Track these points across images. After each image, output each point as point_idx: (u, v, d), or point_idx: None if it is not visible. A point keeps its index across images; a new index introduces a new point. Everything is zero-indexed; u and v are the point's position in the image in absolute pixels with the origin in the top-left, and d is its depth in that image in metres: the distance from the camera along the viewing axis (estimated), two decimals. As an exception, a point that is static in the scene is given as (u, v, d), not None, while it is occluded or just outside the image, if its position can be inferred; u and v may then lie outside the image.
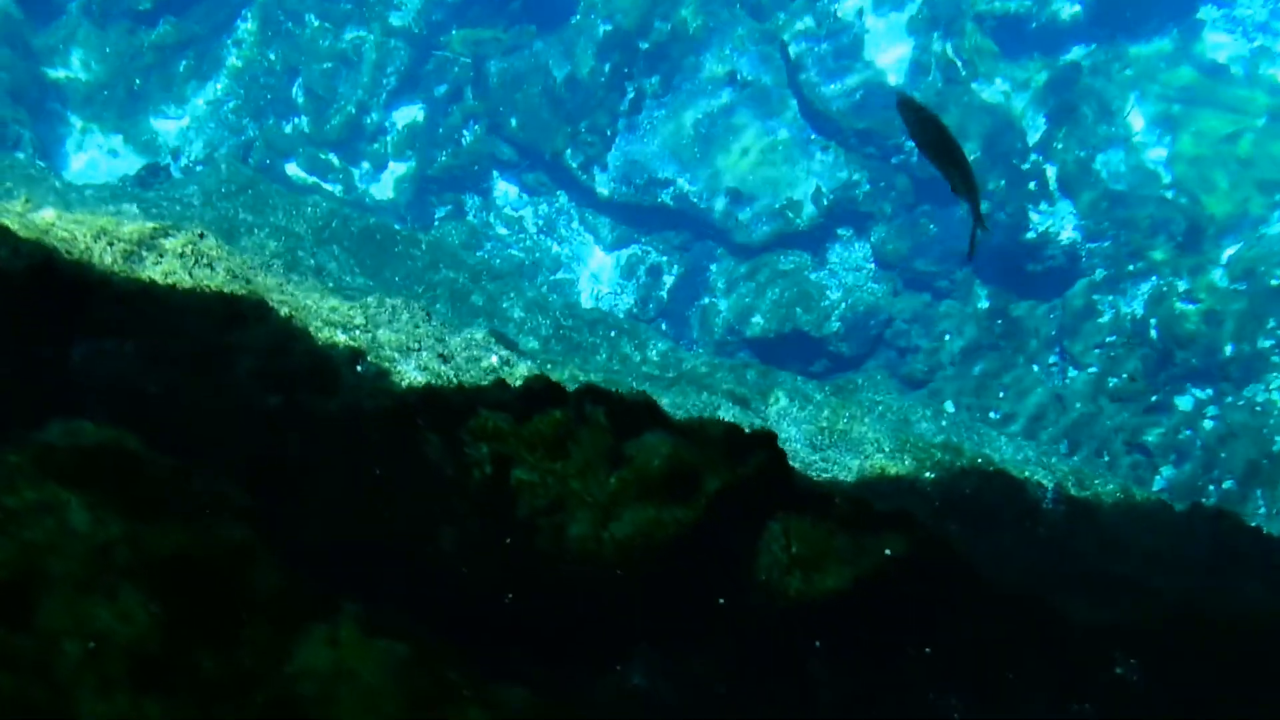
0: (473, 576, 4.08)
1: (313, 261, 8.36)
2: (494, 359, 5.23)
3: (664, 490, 4.26)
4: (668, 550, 4.32)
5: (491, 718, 3.34)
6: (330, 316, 5.05)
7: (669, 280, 14.25)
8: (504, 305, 10.15)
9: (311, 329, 4.61)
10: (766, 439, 4.41)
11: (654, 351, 10.55)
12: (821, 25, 13.40)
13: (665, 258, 14.30)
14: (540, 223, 14.23)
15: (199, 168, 11.33)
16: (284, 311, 4.90)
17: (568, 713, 3.92)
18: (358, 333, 5.15)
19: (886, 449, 8.23)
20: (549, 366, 6.53)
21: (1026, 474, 7.88)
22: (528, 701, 3.55)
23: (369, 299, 5.96)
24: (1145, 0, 14.57)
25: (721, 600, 4.51)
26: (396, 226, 10.63)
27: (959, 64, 13.30)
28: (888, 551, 4.69)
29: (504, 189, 14.25)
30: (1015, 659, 5.23)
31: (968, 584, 5.15)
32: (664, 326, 14.44)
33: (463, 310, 9.77)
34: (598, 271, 14.28)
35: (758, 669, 4.62)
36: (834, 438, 8.59)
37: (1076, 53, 14.66)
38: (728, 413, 8.56)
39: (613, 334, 10.43)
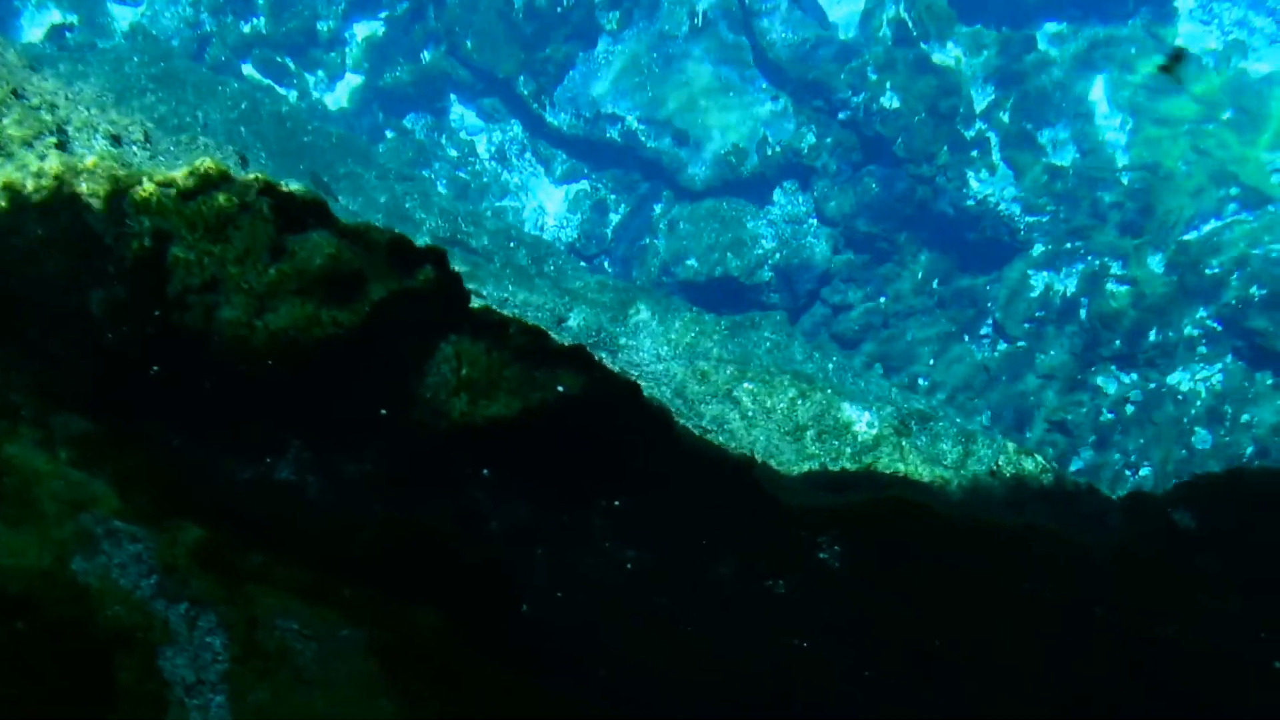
0: (118, 343, 4.26)
1: (198, 125, 8.59)
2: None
3: (324, 289, 4.42)
4: (325, 349, 4.48)
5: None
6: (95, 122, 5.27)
7: (614, 218, 14.39)
8: (406, 205, 10.35)
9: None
10: (436, 255, 4.56)
11: (550, 265, 10.72)
12: (778, -27, 13.48)
13: (613, 195, 14.44)
14: (493, 149, 14.41)
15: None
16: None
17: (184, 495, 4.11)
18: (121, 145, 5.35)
19: (722, 359, 8.35)
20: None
21: (857, 407, 7.97)
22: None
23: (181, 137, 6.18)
24: (1115, -17, 14.51)
25: (384, 411, 4.67)
26: (315, 123, 10.84)
27: (910, 23, 13.31)
28: (561, 388, 4.83)
29: (459, 112, 14.44)
30: (710, 525, 5.36)
31: (664, 440, 5.29)
32: (607, 264, 14.60)
33: (359, 199, 9.97)
34: (544, 203, 14.44)
35: (417, 483, 4.79)
36: (679, 349, 8.73)
37: (1047, 28, 14.62)
38: (580, 312, 8.71)
39: (511, 244, 10.61)
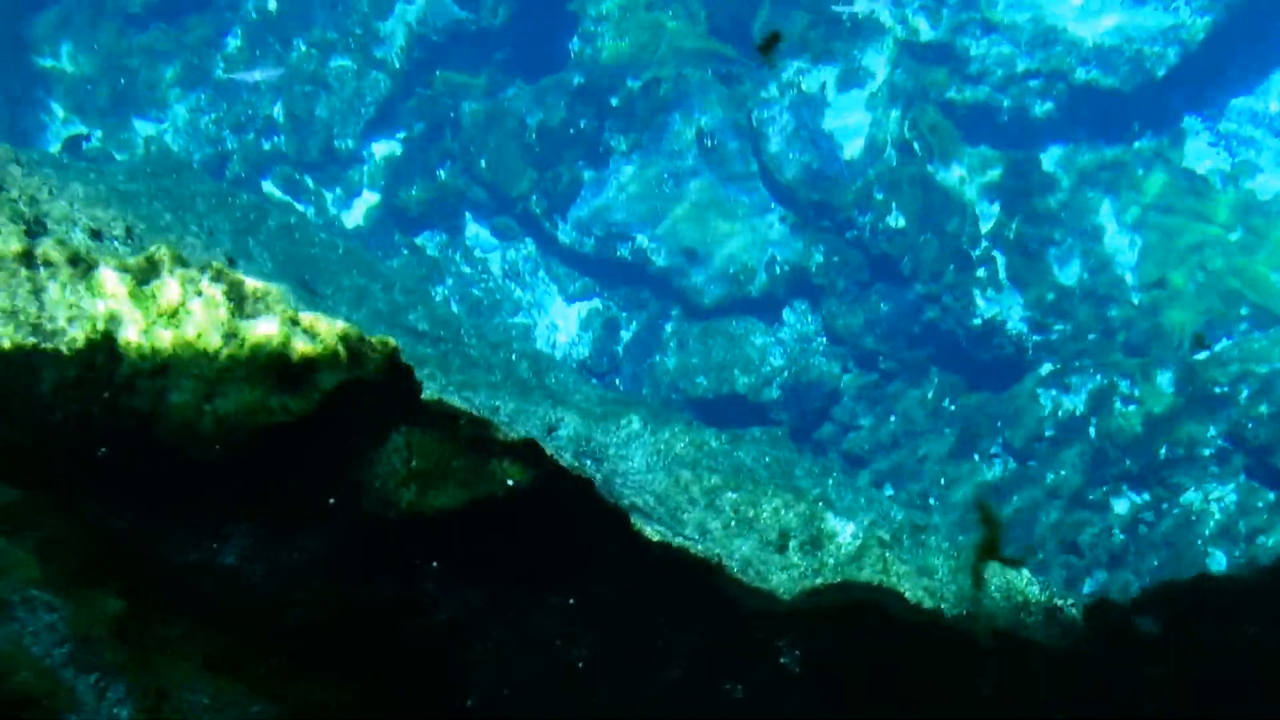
0: (67, 423, 4.36)
1: (204, 233, 8.82)
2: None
3: (275, 376, 4.52)
4: (274, 436, 4.56)
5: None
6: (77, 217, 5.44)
7: (625, 336, 14.53)
8: (410, 317, 10.52)
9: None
10: (383, 346, 4.65)
11: (551, 378, 10.82)
12: (784, 95, 13.77)
13: (625, 314, 14.60)
14: (506, 267, 14.66)
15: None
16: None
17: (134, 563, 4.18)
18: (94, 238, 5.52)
19: (712, 468, 8.37)
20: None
21: (842, 519, 7.95)
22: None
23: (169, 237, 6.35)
24: (1125, 106, 14.68)
25: (332, 500, 4.73)
26: (323, 235, 11.12)
27: (915, 144, 13.54)
28: (510, 481, 4.88)
29: (474, 230, 14.73)
30: (666, 626, 5.35)
31: (620, 538, 5.31)
32: (618, 382, 14.71)
33: (362, 310, 10.16)
34: (557, 321, 14.63)
35: (365, 572, 4.82)
36: (669, 460, 8.76)
37: (1053, 150, 14.82)
38: (572, 422, 8.78)
39: (513, 356, 10.73)
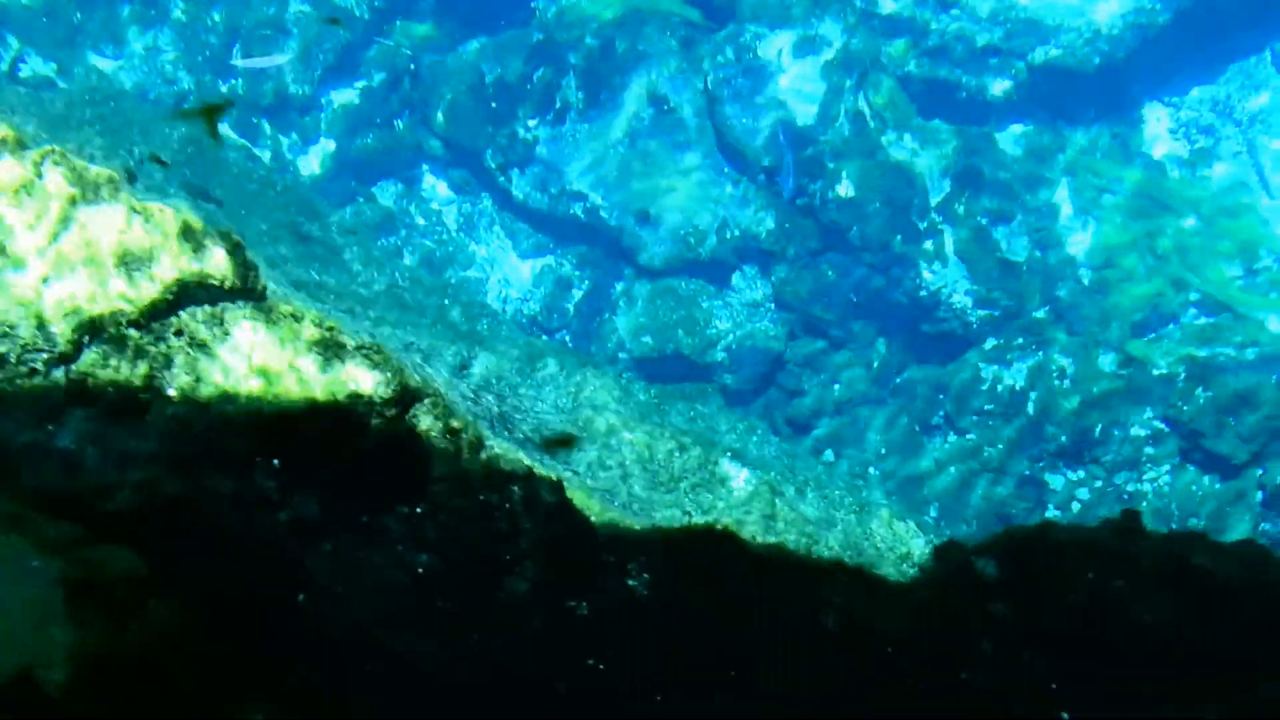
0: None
1: (132, 160, 8.89)
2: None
3: (113, 262, 4.60)
4: (111, 324, 4.65)
5: None
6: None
7: (576, 294, 14.60)
8: (345, 256, 10.61)
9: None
10: (227, 235, 4.73)
11: (483, 324, 10.91)
12: (740, 60, 13.81)
13: (577, 272, 14.67)
14: (461, 220, 14.72)
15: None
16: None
17: None
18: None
19: (619, 413, 8.46)
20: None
21: (737, 465, 8.06)
22: None
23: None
24: (1085, 87, 14.72)
25: (171, 390, 4.81)
26: (261, 172, 11.17)
27: (868, 114, 13.59)
28: (354, 385, 4.96)
29: (431, 183, 14.79)
30: (514, 541, 5.45)
31: (477, 456, 5.40)
32: (568, 340, 14.79)
33: (298, 249, 10.23)
34: (510, 276, 14.70)
35: (204, 465, 4.91)
36: (580, 402, 8.86)
37: (1011, 129, 14.86)
38: (487, 362, 8.87)
39: (446, 302, 10.81)
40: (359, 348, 4.95)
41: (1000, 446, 13.79)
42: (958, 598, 5.53)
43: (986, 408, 13.83)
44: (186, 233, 4.67)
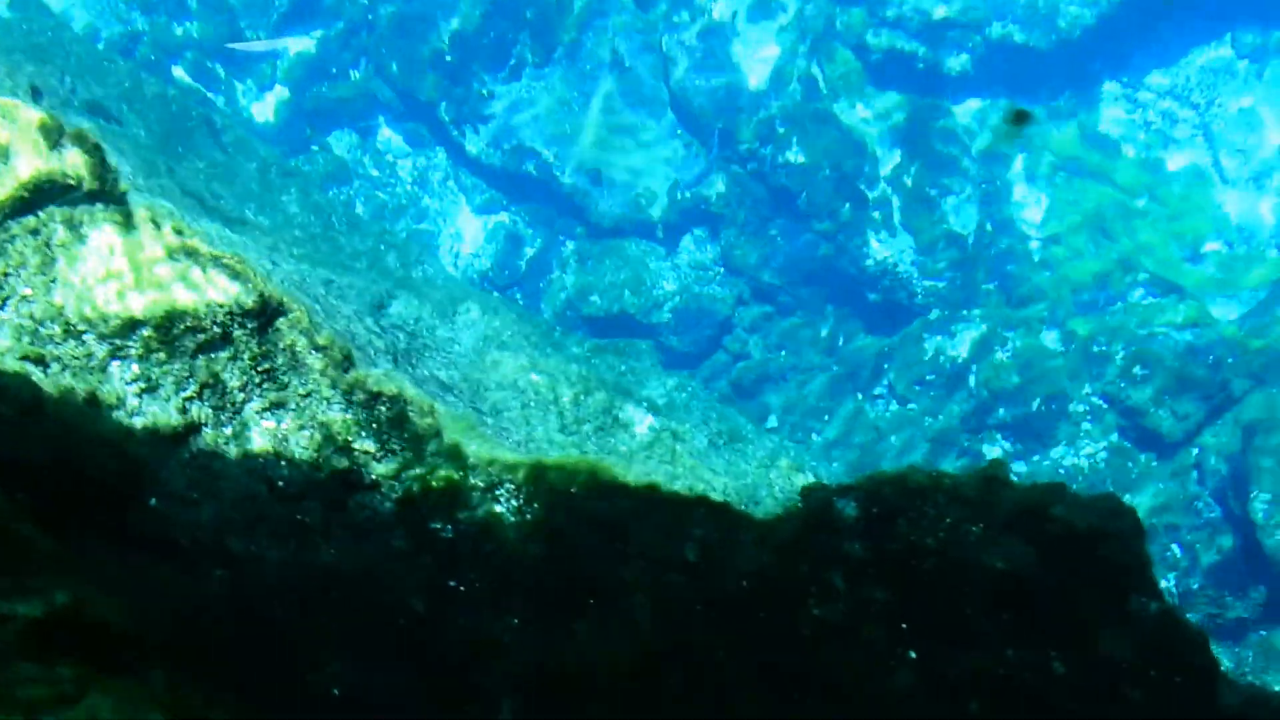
0: None
1: (61, 87, 8.89)
2: None
3: (-32, 165, 4.64)
4: (-33, 223, 4.69)
5: None
6: None
7: (528, 251, 14.64)
8: (281, 199, 10.64)
9: None
10: (84, 136, 4.77)
11: (418, 271, 10.96)
12: (695, 21, 13.83)
13: (530, 229, 14.71)
14: (415, 174, 14.74)
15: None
16: None
17: None
18: None
19: (526, 355, 8.52)
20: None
21: (641, 409, 8.12)
22: None
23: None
24: (1042, 64, 14.75)
25: (27, 290, 4.86)
26: (201, 111, 11.18)
27: (820, 80, 13.62)
28: (212, 294, 5.01)
29: (387, 135, 14.81)
30: (379, 462, 5.51)
31: (337, 367, 5.45)
32: (519, 297, 14.84)
33: (237, 189, 10.26)
34: (463, 231, 14.74)
35: (56, 366, 4.96)
36: (495, 345, 8.91)
37: (968, 103, 14.90)
38: (407, 302, 8.92)
39: (382, 247, 10.86)
40: (217, 257, 5.00)
41: (940, 417, 13.88)
42: (815, 536, 5.61)
43: (929, 378, 13.92)
44: (45, 131, 4.71)
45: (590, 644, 5.42)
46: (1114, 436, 13.61)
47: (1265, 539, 12.62)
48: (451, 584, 5.51)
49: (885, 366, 14.19)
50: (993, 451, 13.78)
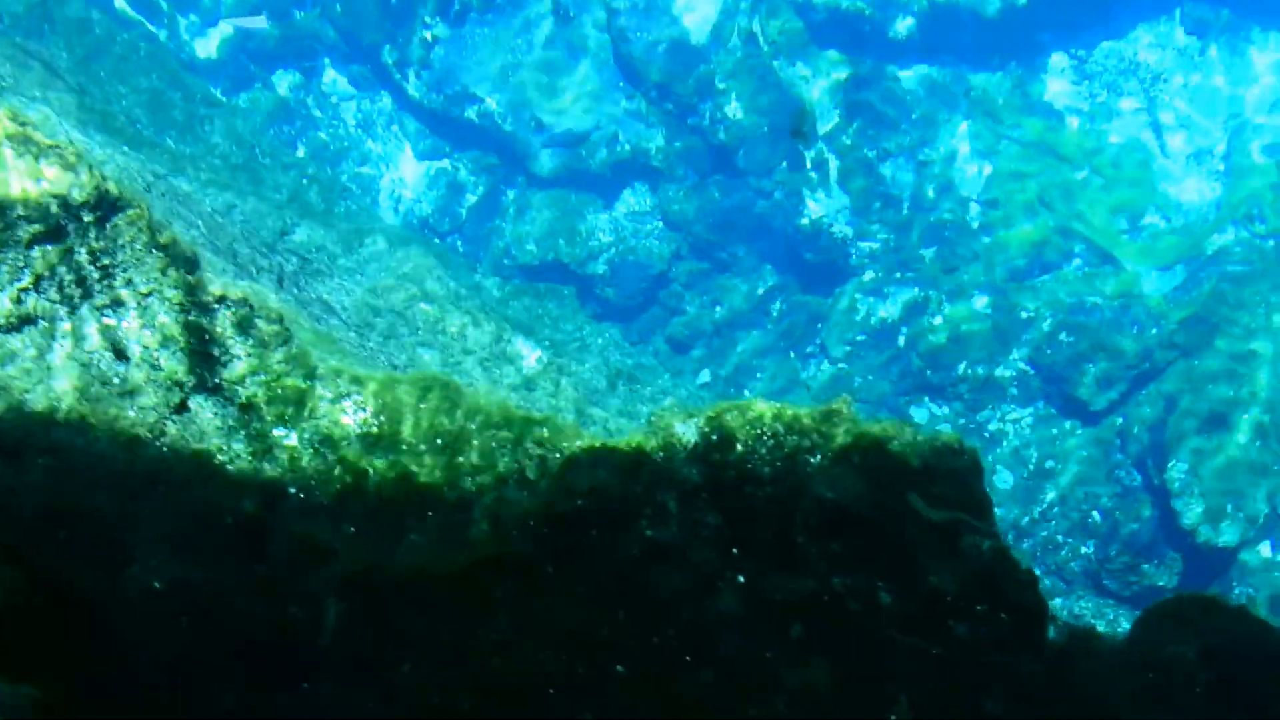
0: None
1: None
2: None
3: None
4: None
5: None
6: None
7: (470, 199, 14.67)
8: (206, 129, 10.67)
9: None
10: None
11: (341, 206, 11.00)
12: (639, -27, 13.86)
13: (472, 177, 14.72)
14: (360, 117, 14.75)
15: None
16: None
17: None
18: None
19: (420, 285, 8.58)
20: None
21: (530, 343, 8.20)
22: None
23: None
24: (989, 32, 14.78)
25: None
26: (125, 35, 11.16)
27: (761, 37, 13.64)
28: (45, 184, 5.05)
29: (331, 77, 14.81)
30: (209, 358, 5.55)
31: (163, 260, 5.50)
32: (459, 244, 14.87)
33: (159, 118, 10.29)
34: (404, 176, 14.75)
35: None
36: (397, 276, 8.97)
37: (916, 68, 14.93)
38: (311, 231, 8.97)
39: (304, 181, 10.90)
40: (53, 147, 5.05)
41: (870, 378, 13.97)
42: (653, 458, 5.69)
43: (859, 338, 14.00)
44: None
45: (422, 553, 5.51)
46: (1040, 403, 13.72)
47: (1180, 509, 12.76)
48: (291, 490, 5.59)
49: (819, 326, 14.27)
50: (920, 415, 13.88)
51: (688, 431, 5.79)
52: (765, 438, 5.79)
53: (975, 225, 14.40)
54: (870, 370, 13.93)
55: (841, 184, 13.74)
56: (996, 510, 12.91)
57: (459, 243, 14.86)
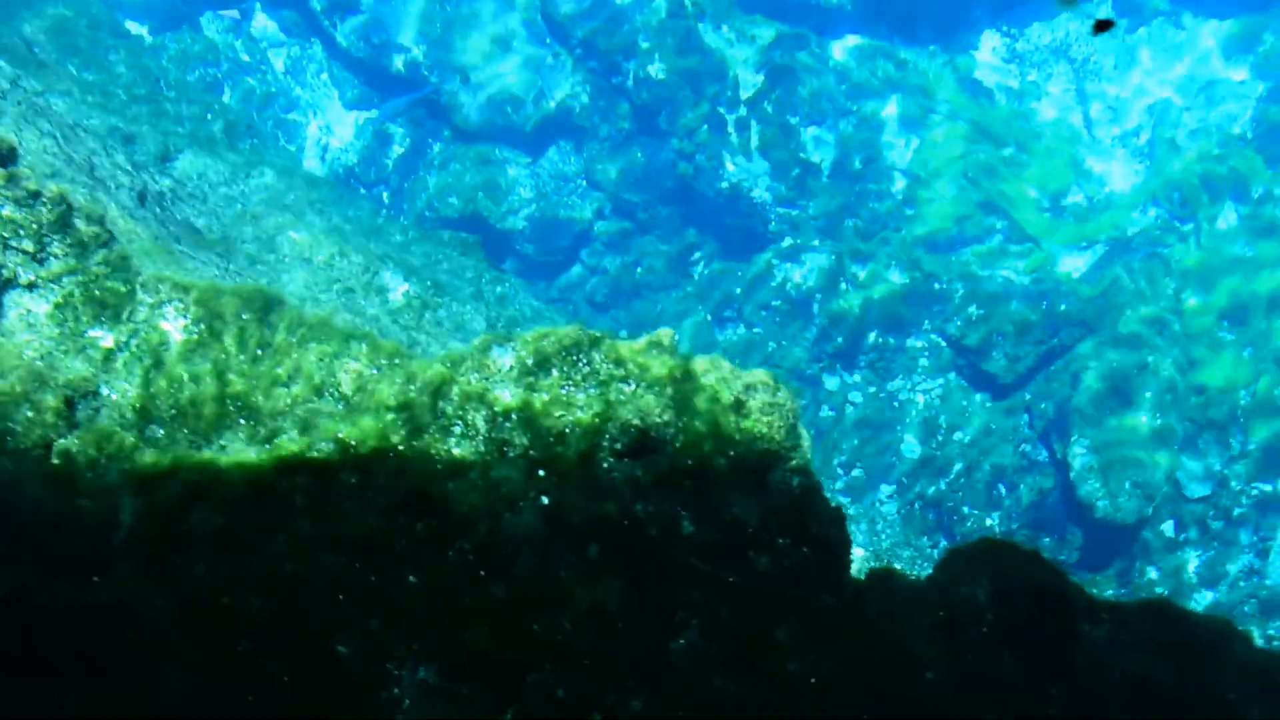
0: None
1: None
2: None
3: None
4: None
5: None
6: None
7: (397, 150, 14.68)
8: (110, 57, 10.66)
9: None
10: None
11: (245, 143, 11.01)
12: (568, -71, 13.86)
13: (400, 129, 14.72)
14: (289, 63, 14.73)
15: None
16: None
17: None
18: None
19: (295, 213, 8.61)
20: None
21: (399, 276, 8.24)
22: None
23: None
24: (922, 7, 14.87)
25: None
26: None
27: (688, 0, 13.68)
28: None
29: (262, 21, 14.78)
30: (28, 254, 5.59)
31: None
32: (385, 195, 14.88)
33: (62, 43, 10.28)
34: (331, 125, 14.75)
35: None
36: (274, 206, 9.00)
37: (847, 39, 15.00)
38: (194, 158, 8.97)
39: (209, 116, 10.91)
40: None
41: (784, 343, 14.05)
42: (465, 377, 5.75)
43: (774, 304, 14.08)
44: None
45: (226, 456, 5.56)
46: (951, 375, 13.83)
47: (1079, 483, 12.90)
48: (102, 390, 5.64)
49: (736, 291, 14.33)
50: (832, 382, 13.97)
51: (505, 355, 5.86)
52: (582, 365, 5.86)
53: (900, 198, 14.48)
54: (784, 336, 14.01)
55: (762, 150, 13.79)
56: (903, 478, 13.06)
57: (385, 194, 14.88)
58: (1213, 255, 14.21)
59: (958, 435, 13.74)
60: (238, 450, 5.58)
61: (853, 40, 15.02)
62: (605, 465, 5.74)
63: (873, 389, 13.85)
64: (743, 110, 13.76)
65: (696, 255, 14.43)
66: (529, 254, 14.23)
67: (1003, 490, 13.57)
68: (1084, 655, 5.67)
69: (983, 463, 13.59)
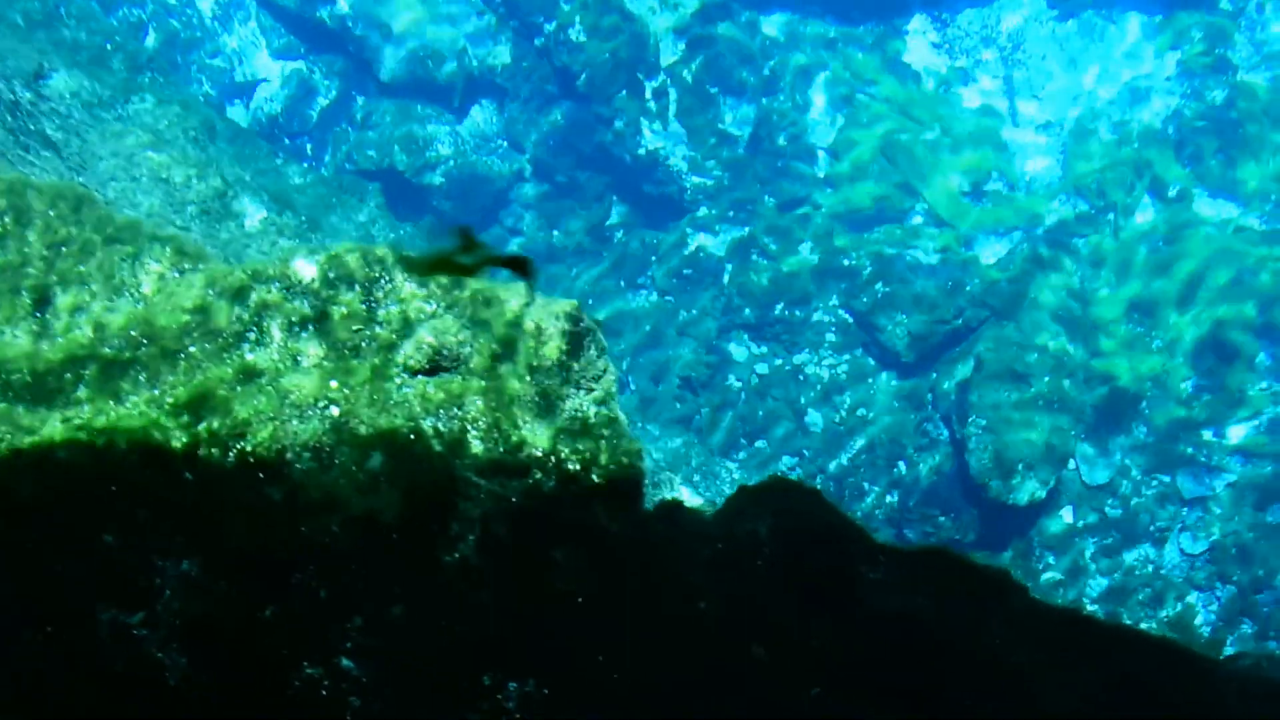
0: None
1: None
2: None
3: None
4: None
5: None
6: None
7: (321, 102, 14.67)
8: (61, 11, 10.71)
9: None
10: None
11: (145, 77, 11.01)
12: (492, -114, 13.87)
13: (325, 81, 14.71)
14: (218, 8, 14.71)
15: None
16: None
17: None
18: None
19: (156, 134, 8.62)
20: None
21: (256, 203, 8.25)
22: None
23: None
24: (851, -14, 14.96)
25: None
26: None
27: (608, -36, 13.72)
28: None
29: (191, -35, 14.77)
30: None
31: None
32: (309, 146, 14.87)
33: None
34: (256, 73, 14.72)
35: None
36: (147, 134, 8.99)
37: (777, 15, 15.03)
38: (70, 77, 8.97)
39: (109, 48, 10.91)
40: None
41: (694, 311, 14.10)
42: (268, 288, 5.79)
43: (686, 272, 14.13)
44: None
45: (14, 346, 5.58)
46: (858, 350, 13.89)
47: (972, 463, 12.98)
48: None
49: (652, 258, 14.37)
50: (739, 351, 14.03)
51: (307, 267, 5.89)
52: (384, 281, 5.91)
53: (822, 175, 14.54)
54: (694, 304, 14.07)
55: (680, 118, 13.82)
56: (804, 450, 13.09)
57: (308, 145, 14.88)
58: (1126, 248, 14.30)
59: (861, 412, 13.81)
60: (28, 340, 5.60)
61: (783, 16, 15.04)
62: (398, 381, 5.78)
63: (778, 360, 13.91)
64: (662, 77, 13.78)
65: (614, 220, 14.45)
66: (445, 210, 14.24)
67: (903, 468, 13.65)
68: (856, 593, 5.74)
69: (884, 440, 13.66)
